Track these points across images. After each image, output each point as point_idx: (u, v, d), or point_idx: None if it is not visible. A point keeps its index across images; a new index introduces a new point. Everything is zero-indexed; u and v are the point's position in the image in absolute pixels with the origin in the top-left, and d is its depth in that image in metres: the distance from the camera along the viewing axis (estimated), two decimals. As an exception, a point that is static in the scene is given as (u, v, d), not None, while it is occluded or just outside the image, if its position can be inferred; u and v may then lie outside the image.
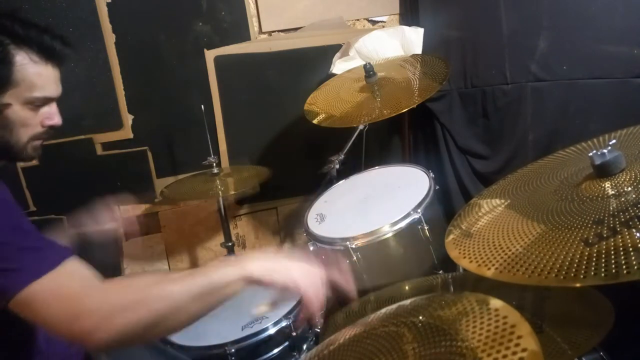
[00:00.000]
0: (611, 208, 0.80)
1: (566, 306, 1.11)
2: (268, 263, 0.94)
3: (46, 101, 1.05)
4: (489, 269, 0.83)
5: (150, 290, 0.86)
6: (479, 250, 0.89)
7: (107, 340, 0.81)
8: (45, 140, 1.09)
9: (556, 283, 0.72)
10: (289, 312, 1.34)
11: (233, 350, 1.26)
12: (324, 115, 1.91)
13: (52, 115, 1.06)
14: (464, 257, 0.89)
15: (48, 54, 1.02)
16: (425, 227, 1.44)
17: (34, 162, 2.14)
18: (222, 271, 0.91)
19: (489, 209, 1.02)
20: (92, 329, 0.81)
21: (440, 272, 1.46)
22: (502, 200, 1.03)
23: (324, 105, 1.96)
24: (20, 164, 2.11)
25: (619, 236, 0.73)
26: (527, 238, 0.85)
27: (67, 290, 0.84)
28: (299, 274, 0.94)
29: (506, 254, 0.83)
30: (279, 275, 0.92)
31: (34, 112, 1.03)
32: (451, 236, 0.99)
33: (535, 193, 1.00)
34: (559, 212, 0.87)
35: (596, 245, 0.73)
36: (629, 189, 0.82)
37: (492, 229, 0.93)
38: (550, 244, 0.80)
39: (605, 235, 0.74)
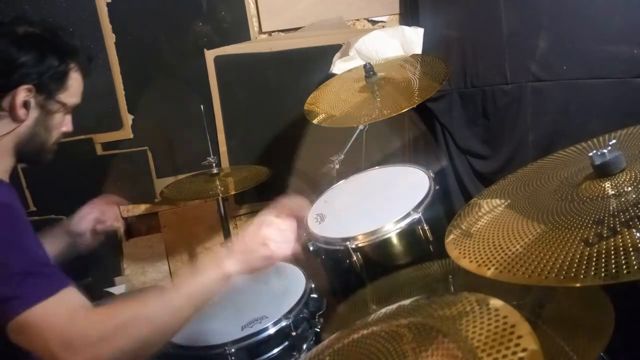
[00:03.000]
0: (611, 208, 0.80)
1: (567, 310, 1.11)
2: (242, 256, 0.97)
3: (72, 109, 1.15)
4: (488, 268, 0.83)
5: (128, 317, 0.88)
6: (479, 250, 0.88)
7: None
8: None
9: (556, 283, 0.72)
10: (289, 312, 1.34)
11: (233, 350, 1.26)
12: (324, 115, 1.91)
13: (68, 122, 1.16)
14: (464, 257, 0.89)
15: (85, 68, 1.14)
16: (425, 227, 1.44)
17: (34, 162, 2.14)
18: (200, 279, 0.94)
19: (489, 209, 1.02)
20: None
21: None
22: (502, 200, 1.03)
23: (324, 105, 1.96)
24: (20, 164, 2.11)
25: (619, 236, 0.72)
26: (527, 238, 0.85)
27: (58, 320, 0.85)
28: (274, 245, 0.99)
29: (506, 254, 0.83)
30: (255, 263, 0.98)
31: (64, 117, 1.14)
32: (451, 236, 0.99)
33: (535, 193, 1.00)
34: (559, 212, 0.87)
35: (596, 245, 0.73)
36: (629, 189, 0.82)
37: (492, 229, 0.93)
38: (550, 244, 0.79)
39: (605, 235, 0.74)
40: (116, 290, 2.24)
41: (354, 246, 1.44)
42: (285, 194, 1.11)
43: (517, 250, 0.83)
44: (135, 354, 0.86)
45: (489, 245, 0.88)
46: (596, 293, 1.06)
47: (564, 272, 0.72)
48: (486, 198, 1.07)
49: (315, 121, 1.90)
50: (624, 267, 0.67)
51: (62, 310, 0.86)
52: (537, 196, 0.98)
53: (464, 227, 0.99)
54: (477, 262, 0.86)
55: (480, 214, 1.02)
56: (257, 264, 0.98)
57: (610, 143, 0.86)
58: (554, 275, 0.73)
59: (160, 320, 0.89)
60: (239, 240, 1.01)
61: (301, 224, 1.09)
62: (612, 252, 0.70)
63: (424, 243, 1.46)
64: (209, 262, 0.97)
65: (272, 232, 1.00)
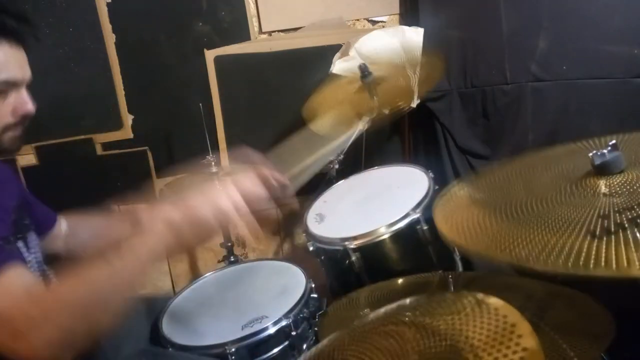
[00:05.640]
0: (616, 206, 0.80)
1: (569, 314, 1.10)
2: (183, 206, 0.88)
3: (10, 85, 0.95)
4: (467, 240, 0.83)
5: (71, 294, 0.82)
6: (466, 223, 0.89)
7: (50, 352, 0.78)
8: (24, 131, 1.01)
9: (564, 270, 0.71)
10: (289, 312, 1.34)
11: (233, 349, 1.26)
12: (323, 120, 1.91)
13: (23, 102, 0.97)
14: (447, 224, 0.90)
15: (2, 33, 0.92)
16: (425, 227, 1.44)
17: (34, 162, 2.14)
18: (144, 239, 0.86)
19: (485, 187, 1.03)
20: (30, 349, 0.77)
21: (440, 272, 1.46)
22: (490, 184, 1.04)
23: (322, 110, 1.95)
24: (20, 164, 2.11)
25: (627, 232, 0.72)
26: (524, 222, 0.85)
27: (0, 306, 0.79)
28: (219, 199, 0.89)
29: (494, 230, 0.84)
30: (200, 211, 0.87)
31: (5, 98, 0.94)
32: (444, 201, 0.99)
33: (530, 182, 1.00)
34: (559, 202, 0.87)
35: (603, 239, 0.73)
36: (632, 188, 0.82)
37: (492, 208, 0.93)
38: (553, 232, 0.79)
39: (613, 230, 0.74)
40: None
41: (353, 246, 1.44)
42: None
43: (506, 228, 0.83)
44: (88, 330, 0.81)
45: (478, 220, 0.89)
46: (596, 307, 1.06)
47: (571, 261, 0.71)
48: (480, 177, 1.08)
49: (315, 128, 1.89)
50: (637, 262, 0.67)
51: (3, 295, 0.81)
52: (532, 184, 0.98)
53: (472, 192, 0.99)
54: (464, 235, 0.86)
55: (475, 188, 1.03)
56: (202, 213, 0.87)
57: (611, 143, 0.86)
58: (560, 262, 0.72)
59: (105, 294, 0.83)
60: (201, 191, 0.91)
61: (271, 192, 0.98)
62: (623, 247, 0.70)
63: (423, 243, 1.46)
64: (152, 218, 0.88)
65: (218, 191, 0.90)
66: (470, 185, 1.05)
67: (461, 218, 0.91)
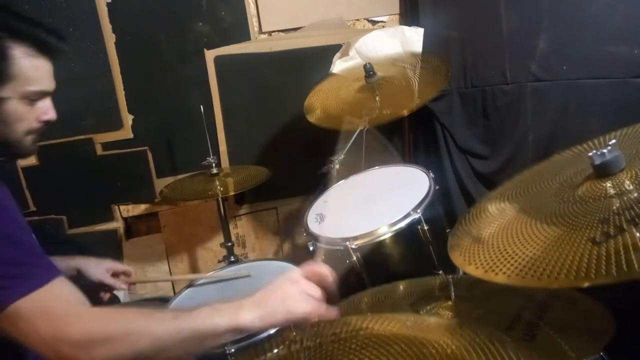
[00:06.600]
0: (614, 207, 0.80)
1: (568, 313, 1.10)
2: (260, 310, 0.93)
3: (42, 95, 1.06)
4: (496, 274, 0.81)
5: (134, 327, 0.87)
6: (484, 256, 0.87)
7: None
8: (42, 135, 1.11)
9: (567, 284, 0.71)
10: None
11: (233, 350, 1.26)
12: (323, 114, 1.91)
13: (47, 110, 1.07)
14: (470, 264, 0.87)
15: (43, 48, 1.03)
16: (425, 227, 1.44)
17: (34, 162, 2.14)
18: (214, 320, 0.90)
19: (490, 215, 1.01)
20: (72, 356, 0.82)
21: (440, 272, 1.46)
22: (504, 206, 1.02)
23: (323, 104, 1.96)
24: (20, 164, 2.11)
25: (627, 233, 0.72)
26: (533, 242, 0.84)
27: (52, 312, 0.85)
28: (294, 301, 0.93)
29: (513, 259, 0.82)
30: (273, 318, 0.93)
31: (30, 106, 1.04)
32: (455, 244, 0.97)
33: (535, 197, 0.99)
34: (562, 214, 0.86)
35: (604, 244, 0.73)
36: (631, 187, 0.82)
37: (496, 234, 0.92)
38: (557, 246, 0.79)
39: (612, 234, 0.74)
40: (116, 291, 2.24)
41: (353, 246, 1.44)
42: (316, 259, 1.09)
43: (524, 254, 0.82)
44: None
45: (494, 250, 0.87)
46: (596, 307, 1.06)
47: (574, 273, 0.71)
48: (486, 204, 1.06)
49: (313, 120, 1.90)
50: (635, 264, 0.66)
51: (56, 301, 0.86)
52: (538, 200, 0.97)
53: (474, 234, 0.97)
54: (484, 268, 0.84)
55: (483, 219, 1.01)
56: (275, 320, 0.94)
57: (610, 143, 0.86)
58: (563, 276, 0.72)
59: (164, 344, 0.87)
60: (262, 293, 0.96)
61: (327, 293, 1.01)
62: (622, 250, 0.70)
63: (424, 243, 1.46)
64: (228, 308, 0.93)
65: (294, 289, 0.95)
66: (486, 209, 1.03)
67: (479, 251, 0.90)
